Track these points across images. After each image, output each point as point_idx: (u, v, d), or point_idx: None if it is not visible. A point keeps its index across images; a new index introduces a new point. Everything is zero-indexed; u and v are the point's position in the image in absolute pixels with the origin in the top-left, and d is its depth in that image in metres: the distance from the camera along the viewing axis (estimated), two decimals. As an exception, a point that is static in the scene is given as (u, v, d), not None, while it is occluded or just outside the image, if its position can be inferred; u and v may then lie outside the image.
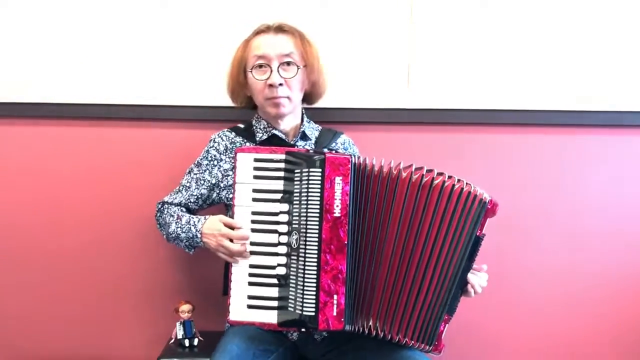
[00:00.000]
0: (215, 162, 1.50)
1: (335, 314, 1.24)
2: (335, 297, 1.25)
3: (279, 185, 1.30)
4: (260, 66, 1.44)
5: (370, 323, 1.28)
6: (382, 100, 1.71)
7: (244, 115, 1.58)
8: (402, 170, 1.27)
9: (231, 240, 1.31)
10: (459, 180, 1.26)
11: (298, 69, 1.44)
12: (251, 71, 1.45)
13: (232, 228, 1.32)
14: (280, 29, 1.47)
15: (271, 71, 1.42)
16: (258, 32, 1.48)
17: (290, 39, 1.46)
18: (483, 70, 1.71)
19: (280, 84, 1.42)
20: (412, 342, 1.28)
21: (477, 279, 1.34)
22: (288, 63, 1.44)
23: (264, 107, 1.47)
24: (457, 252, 1.27)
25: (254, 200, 1.31)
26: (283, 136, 1.50)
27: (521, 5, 1.69)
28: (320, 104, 1.59)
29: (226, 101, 1.59)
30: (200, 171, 1.51)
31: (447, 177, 1.26)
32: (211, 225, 1.36)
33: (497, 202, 1.27)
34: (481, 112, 1.71)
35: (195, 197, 1.51)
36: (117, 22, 1.69)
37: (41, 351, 1.76)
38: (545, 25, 1.70)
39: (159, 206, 1.55)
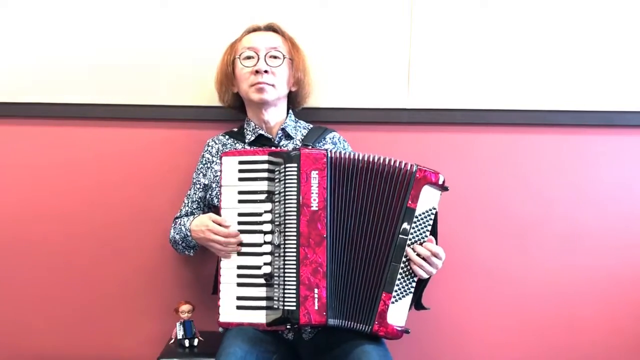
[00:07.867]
0: (209, 165, 1.54)
1: (316, 307, 1.25)
2: (316, 290, 1.25)
3: (263, 185, 1.33)
4: (249, 57, 1.49)
5: None
6: (382, 100, 1.71)
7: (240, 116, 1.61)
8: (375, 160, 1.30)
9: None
10: (399, 162, 1.29)
11: (284, 58, 1.49)
12: (239, 58, 1.50)
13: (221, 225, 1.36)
14: (269, 27, 1.55)
15: (258, 59, 1.47)
16: (249, 31, 1.55)
17: (278, 36, 1.54)
18: (483, 71, 1.70)
19: (266, 71, 1.47)
20: (352, 324, 1.27)
21: (413, 254, 1.28)
22: (275, 57, 1.49)
23: (248, 94, 1.49)
24: (385, 227, 1.28)
25: (240, 202, 1.35)
26: (270, 136, 1.52)
27: (521, 5, 1.68)
28: (320, 104, 1.60)
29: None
30: (197, 175, 1.56)
31: (389, 160, 1.29)
32: (199, 222, 1.41)
33: (430, 171, 1.29)
34: (481, 112, 1.70)
35: (196, 202, 1.56)
36: (118, 21, 1.71)
37: (42, 351, 1.78)
38: (545, 25, 1.68)
39: (172, 225, 1.58)
